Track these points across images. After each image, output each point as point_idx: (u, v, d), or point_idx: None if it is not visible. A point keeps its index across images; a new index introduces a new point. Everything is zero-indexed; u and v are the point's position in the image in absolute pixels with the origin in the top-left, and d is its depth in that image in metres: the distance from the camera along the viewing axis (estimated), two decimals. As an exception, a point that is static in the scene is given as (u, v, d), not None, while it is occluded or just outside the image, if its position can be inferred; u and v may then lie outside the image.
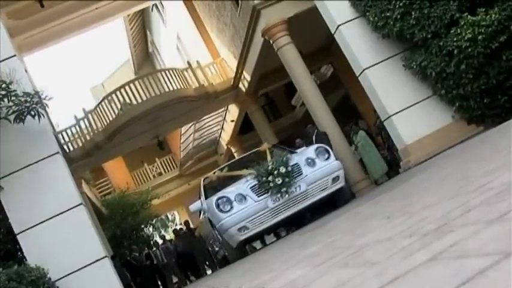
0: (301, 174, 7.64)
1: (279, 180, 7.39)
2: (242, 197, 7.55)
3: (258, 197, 7.52)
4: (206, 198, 8.44)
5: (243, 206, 7.50)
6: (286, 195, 7.46)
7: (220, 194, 7.79)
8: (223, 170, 9.73)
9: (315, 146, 8.36)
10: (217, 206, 7.59)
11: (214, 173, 9.92)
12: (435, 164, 6.67)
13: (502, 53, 7.20)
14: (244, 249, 8.55)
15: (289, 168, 7.54)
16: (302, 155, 8.04)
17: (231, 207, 7.52)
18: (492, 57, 7.25)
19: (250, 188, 7.60)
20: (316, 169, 7.74)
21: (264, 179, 7.48)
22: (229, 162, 11.38)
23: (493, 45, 7.12)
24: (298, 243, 4.97)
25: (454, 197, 2.57)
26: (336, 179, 7.79)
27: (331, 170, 7.80)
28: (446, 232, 1.73)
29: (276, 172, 7.43)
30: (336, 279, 1.87)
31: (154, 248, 16.12)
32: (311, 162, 7.80)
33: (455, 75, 7.58)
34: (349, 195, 8.64)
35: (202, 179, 9.68)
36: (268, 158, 8.19)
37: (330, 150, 8.15)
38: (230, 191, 7.76)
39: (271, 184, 7.41)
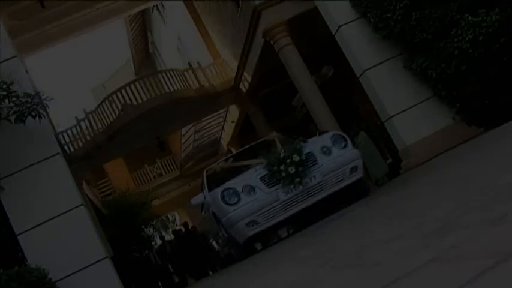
0: (316, 163, 6.83)
1: (291, 170, 6.61)
2: (250, 188, 6.78)
3: (268, 188, 6.74)
4: (210, 190, 7.64)
5: (252, 198, 6.73)
6: (300, 186, 6.67)
7: (226, 185, 7.03)
8: (228, 161, 9.08)
9: (331, 133, 7.55)
10: (223, 198, 6.83)
11: (218, 163, 9.22)
12: (436, 165, 6.67)
13: (503, 54, 7.20)
14: (252, 246, 7.80)
15: (303, 157, 6.74)
16: (316, 143, 7.23)
17: (238, 200, 6.76)
18: (493, 58, 7.25)
19: (260, 178, 6.81)
20: (333, 158, 6.93)
21: (275, 168, 6.71)
22: (235, 153, 10.96)
23: (493, 47, 7.12)
24: (300, 244, 4.97)
25: (454, 198, 2.57)
26: (353, 169, 6.98)
27: (349, 159, 6.99)
28: (447, 233, 1.73)
29: (288, 161, 6.65)
30: (337, 280, 1.87)
31: (149, 251, 16.12)
32: (327, 151, 7.00)
33: (456, 76, 7.58)
34: (367, 190, 7.71)
35: (205, 170, 8.78)
36: (278, 146, 7.40)
37: (347, 138, 7.33)
38: (237, 182, 6.98)
39: (283, 174, 6.64)
